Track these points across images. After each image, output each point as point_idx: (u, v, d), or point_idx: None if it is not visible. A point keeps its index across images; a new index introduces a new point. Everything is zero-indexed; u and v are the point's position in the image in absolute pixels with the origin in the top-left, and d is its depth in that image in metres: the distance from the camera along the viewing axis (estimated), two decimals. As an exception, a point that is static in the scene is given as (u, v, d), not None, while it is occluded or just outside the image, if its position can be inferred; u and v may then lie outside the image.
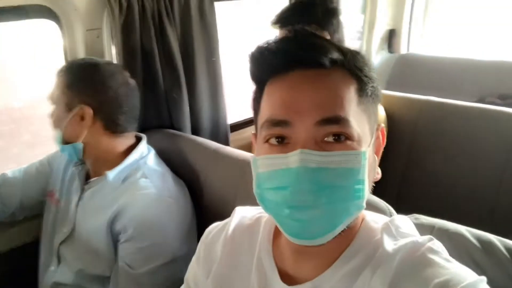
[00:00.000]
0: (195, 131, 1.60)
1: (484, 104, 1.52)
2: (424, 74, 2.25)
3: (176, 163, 1.34)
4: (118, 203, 1.15)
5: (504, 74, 1.99)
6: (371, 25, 2.40)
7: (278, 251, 0.72)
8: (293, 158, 0.57)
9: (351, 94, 0.61)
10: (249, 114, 2.08)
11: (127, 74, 1.28)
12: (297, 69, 0.61)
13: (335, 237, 0.61)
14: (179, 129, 1.55)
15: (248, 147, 1.65)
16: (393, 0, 2.43)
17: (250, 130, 2.04)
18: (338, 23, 1.64)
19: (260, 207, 0.83)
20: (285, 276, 0.69)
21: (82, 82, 1.19)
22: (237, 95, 2.31)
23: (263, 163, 0.62)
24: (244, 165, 1.25)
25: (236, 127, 1.96)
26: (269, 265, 0.71)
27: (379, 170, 0.67)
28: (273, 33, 1.58)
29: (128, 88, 1.25)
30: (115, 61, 1.46)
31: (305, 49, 0.61)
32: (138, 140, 1.30)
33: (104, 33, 1.44)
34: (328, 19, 1.60)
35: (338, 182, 0.57)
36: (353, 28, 2.49)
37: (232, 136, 1.81)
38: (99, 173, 1.23)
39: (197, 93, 1.58)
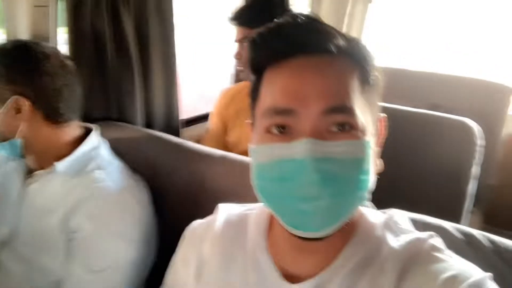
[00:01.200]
0: (146, 124, 1.51)
1: (425, 110, 1.61)
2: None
3: (131, 159, 1.23)
4: (72, 198, 1.03)
5: (435, 85, 2.14)
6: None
7: (274, 248, 0.69)
8: (298, 148, 0.55)
9: (355, 83, 0.59)
10: (200, 110, 2.06)
11: (63, 55, 1.14)
12: (300, 54, 0.59)
13: (336, 231, 0.59)
14: (130, 122, 1.45)
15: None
16: (333, 14, 2.50)
17: (201, 126, 1.99)
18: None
19: (243, 204, 0.80)
20: (284, 274, 0.66)
21: (13, 70, 1.04)
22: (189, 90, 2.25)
23: (265, 153, 0.59)
24: (210, 161, 1.20)
25: (187, 123, 1.89)
26: (266, 263, 0.68)
27: (381, 162, 0.66)
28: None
29: (67, 72, 1.11)
30: (62, 44, 1.33)
31: (311, 33, 0.59)
32: (87, 131, 1.18)
33: (52, 11, 1.30)
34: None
35: (344, 172, 0.56)
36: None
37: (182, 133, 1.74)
38: (44, 166, 1.09)
39: (151, 83, 1.49)
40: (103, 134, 1.22)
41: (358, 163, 0.57)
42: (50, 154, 1.08)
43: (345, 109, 0.57)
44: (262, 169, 0.60)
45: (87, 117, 1.31)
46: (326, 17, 2.49)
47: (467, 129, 1.45)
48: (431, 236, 0.63)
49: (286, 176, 0.56)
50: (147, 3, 1.42)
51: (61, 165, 1.06)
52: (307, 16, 0.61)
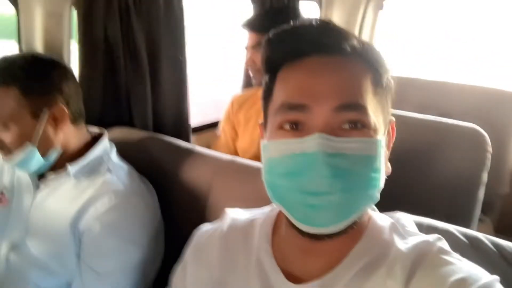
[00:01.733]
0: (156, 129, 1.53)
1: (436, 117, 1.61)
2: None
3: (140, 163, 1.25)
4: (82, 199, 1.04)
5: (445, 94, 2.14)
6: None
7: (279, 251, 0.69)
8: (310, 143, 0.56)
9: (367, 83, 0.60)
10: (210, 118, 2.08)
11: None
12: (315, 54, 0.60)
13: (345, 233, 0.60)
14: (140, 126, 1.48)
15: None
16: (344, 22, 2.51)
17: (212, 133, 2.00)
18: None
19: (250, 209, 0.81)
20: (289, 276, 0.66)
21: (44, 81, 1.05)
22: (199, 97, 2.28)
23: (276, 148, 0.60)
24: (218, 165, 1.21)
25: (196, 129, 1.91)
26: (271, 266, 0.68)
27: (389, 165, 0.66)
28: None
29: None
30: (75, 51, 1.36)
31: (325, 34, 0.61)
32: (95, 135, 1.19)
33: (66, 19, 1.34)
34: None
35: (355, 168, 0.57)
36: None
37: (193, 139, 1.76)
38: (56, 168, 1.11)
39: (161, 90, 1.51)
40: (114, 139, 1.25)
41: (369, 161, 0.58)
42: (65, 157, 1.10)
43: (358, 107, 0.58)
44: (273, 164, 0.61)
45: (99, 122, 1.33)
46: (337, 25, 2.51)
47: (478, 136, 1.44)
48: (439, 239, 0.63)
49: (297, 170, 0.57)
50: (158, 10, 1.45)
51: (74, 168, 1.08)
52: (321, 20, 0.62)
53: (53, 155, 1.08)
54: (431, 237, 0.64)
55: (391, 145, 0.69)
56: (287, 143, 0.59)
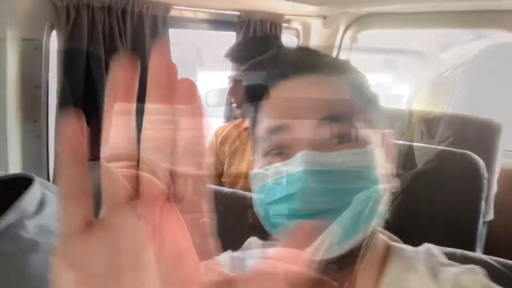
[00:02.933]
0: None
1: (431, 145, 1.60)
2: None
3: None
4: None
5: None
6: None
7: None
8: (296, 162, 0.52)
9: (348, 96, 0.59)
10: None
11: None
12: (294, 75, 0.59)
13: (351, 263, 0.55)
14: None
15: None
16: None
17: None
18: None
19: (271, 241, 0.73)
20: None
21: None
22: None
23: (266, 175, 0.56)
24: (219, 198, 1.12)
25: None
26: None
27: (398, 181, 0.61)
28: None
29: None
30: (54, 78, 1.26)
31: (300, 56, 0.62)
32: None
33: (44, 45, 1.24)
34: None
35: (348, 183, 0.53)
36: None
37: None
38: None
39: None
40: (95, 175, 1.12)
41: (362, 173, 0.54)
42: None
43: (340, 119, 0.55)
44: (264, 191, 0.57)
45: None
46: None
47: (473, 162, 1.42)
48: (477, 270, 0.57)
49: (287, 193, 0.53)
50: (144, 40, 1.39)
51: None
52: (296, 47, 0.64)
53: None
54: (469, 268, 0.58)
55: (395, 159, 0.64)
56: (274, 167, 0.55)
